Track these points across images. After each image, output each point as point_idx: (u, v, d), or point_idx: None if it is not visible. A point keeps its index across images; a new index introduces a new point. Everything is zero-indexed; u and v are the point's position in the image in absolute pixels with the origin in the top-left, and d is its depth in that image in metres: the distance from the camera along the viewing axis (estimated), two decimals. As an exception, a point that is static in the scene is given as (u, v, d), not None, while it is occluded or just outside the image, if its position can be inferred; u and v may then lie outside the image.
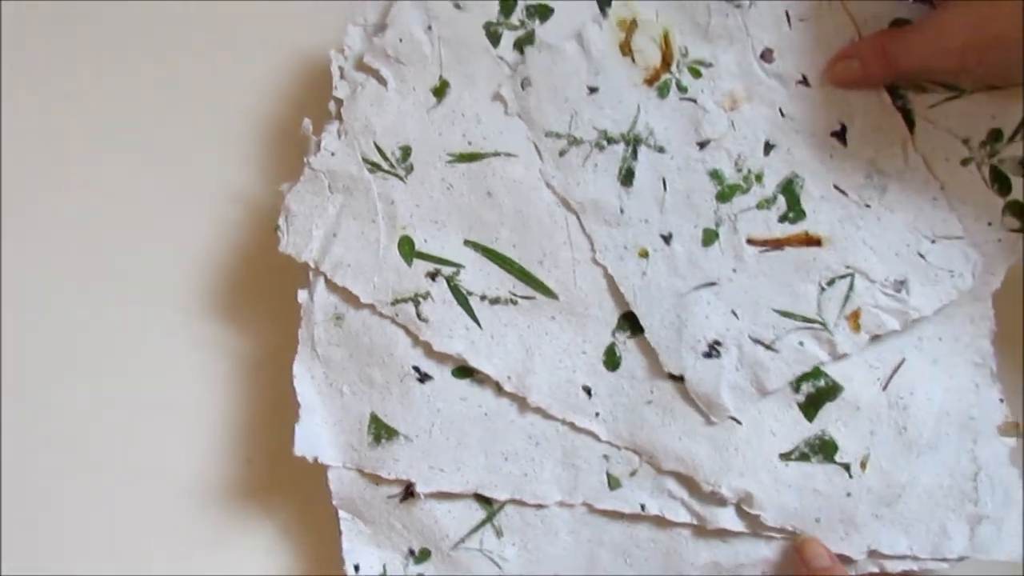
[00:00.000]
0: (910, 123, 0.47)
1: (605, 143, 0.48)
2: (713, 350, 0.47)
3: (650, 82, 0.48)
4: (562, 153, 0.48)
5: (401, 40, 0.50)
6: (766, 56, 0.48)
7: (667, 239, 0.48)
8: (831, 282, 0.47)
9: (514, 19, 0.50)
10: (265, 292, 0.57)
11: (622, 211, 0.48)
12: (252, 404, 0.57)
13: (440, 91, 0.50)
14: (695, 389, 0.47)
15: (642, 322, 0.47)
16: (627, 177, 0.48)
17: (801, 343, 0.46)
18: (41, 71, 0.59)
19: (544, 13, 0.49)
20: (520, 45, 0.49)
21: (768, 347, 0.47)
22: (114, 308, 0.57)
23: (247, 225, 0.58)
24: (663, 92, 0.48)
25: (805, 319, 0.47)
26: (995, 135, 0.47)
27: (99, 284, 0.58)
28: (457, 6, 0.50)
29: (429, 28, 0.50)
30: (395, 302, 0.49)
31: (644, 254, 0.48)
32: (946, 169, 0.47)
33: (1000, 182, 0.47)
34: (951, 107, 0.47)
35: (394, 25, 0.50)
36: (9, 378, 0.58)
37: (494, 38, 0.50)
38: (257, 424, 0.57)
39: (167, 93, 0.58)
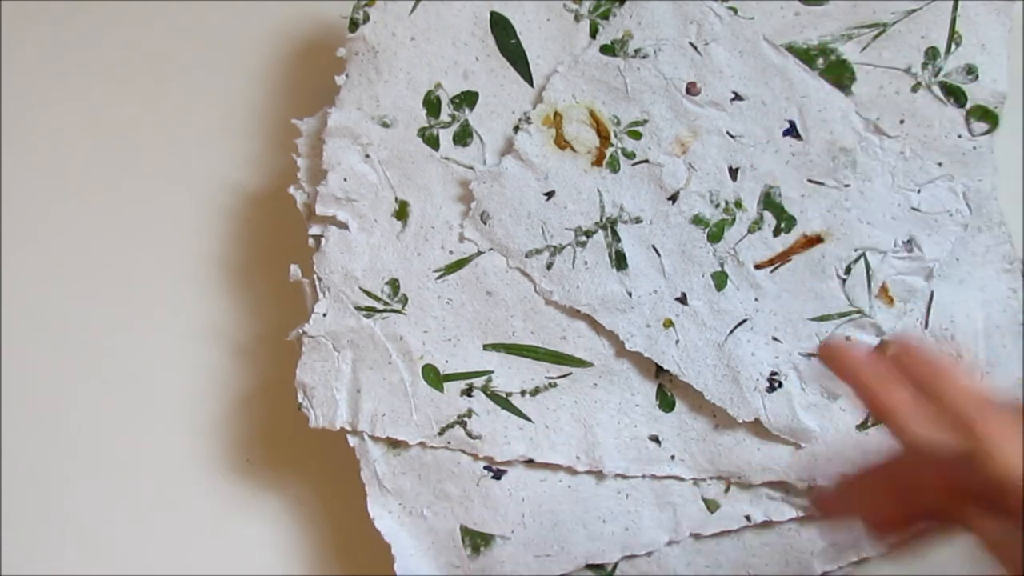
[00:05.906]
0: (850, 72, 0.47)
1: (584, 238, 0.48)
2: (774, 382, 0.48)
3: (598, 162, 0.48)
4: (549, 266, 0.48)
5: (346, 179, 0.49)
6: (691, 90, 0.47)
7: (683, 300, 0.48)
8: (848, 270, 0.47)
9: (444, 116, 0.49)
10: (263, 279, 0.58)
11: (630, 294, 0.48)
12: (252, 393, 0.58)
13: (402, 213, 0.50)
14: (774, 426, 0.47)
15: (697, 387, 0.48)
16: (620, 260, 0.48)
17: (848, 337, 0.47)
18: (41, 69, 0.60)
19: (470, 100, 0.49)
20: (458, 139, 0.49)
21: (821, 356, 0.47)
22: (112, 299, 0.59)
23: (243, 214, 0.59)
24: (614, 166, 0.48)
25: (841, 315, 0.47)
26: (932, 53, 0.47)
27: (97, 276, 0.59)
28: (384, 124, 0.49)
29: (367, 157, 0.49)
30: (442, 431, 0.50)
31: (669, 324, 0.48)
32: (900, 102, 0.47)
33: (954, 95, 0.47)
34: (881, 43, 0.47)
35: (333, 167, 0.49)
36: (8, 370, 0.59)
37: (432, 142, 0.49)
38: (256, 416, 0.58)
39: (162, 85, 0.60)
